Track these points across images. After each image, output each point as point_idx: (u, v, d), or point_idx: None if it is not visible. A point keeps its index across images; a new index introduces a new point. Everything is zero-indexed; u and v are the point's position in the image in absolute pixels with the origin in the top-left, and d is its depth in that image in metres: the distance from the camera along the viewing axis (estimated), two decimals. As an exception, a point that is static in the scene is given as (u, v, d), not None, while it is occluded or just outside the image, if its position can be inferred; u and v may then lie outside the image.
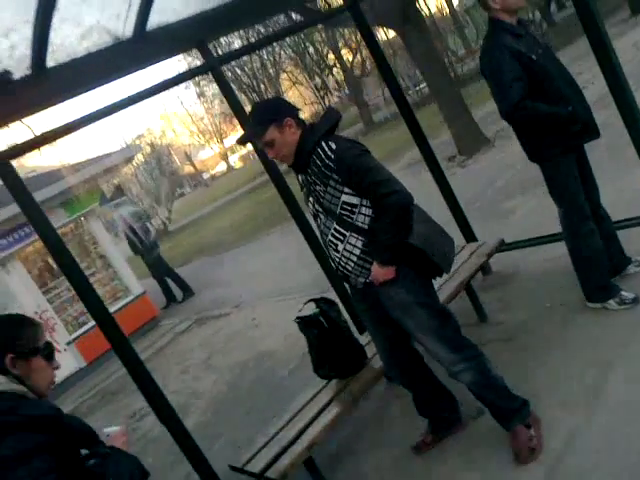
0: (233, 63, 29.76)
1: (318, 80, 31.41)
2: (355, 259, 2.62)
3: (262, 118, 2.59)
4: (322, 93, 31.80)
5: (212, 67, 3.75)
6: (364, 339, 3.65)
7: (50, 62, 3.19)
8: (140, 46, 3.52)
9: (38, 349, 1.75)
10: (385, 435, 3.53)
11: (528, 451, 2.70)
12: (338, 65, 30.91)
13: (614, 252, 3.55)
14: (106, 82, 3.49)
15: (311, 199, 2.67)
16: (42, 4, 2.79)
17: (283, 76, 34.23)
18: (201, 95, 41.69)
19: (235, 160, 64.00)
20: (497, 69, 3.13)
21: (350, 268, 2.66)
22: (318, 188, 2.57)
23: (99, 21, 3.28)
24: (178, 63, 29.60)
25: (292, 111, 2.63)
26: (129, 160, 11.82)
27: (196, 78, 34.35)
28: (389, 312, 2.73)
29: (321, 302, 3.43)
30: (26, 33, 2.95)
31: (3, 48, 2.94)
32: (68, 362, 9.10)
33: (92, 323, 9.62)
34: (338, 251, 2.65)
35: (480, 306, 4.08)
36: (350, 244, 2.60)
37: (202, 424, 5.23)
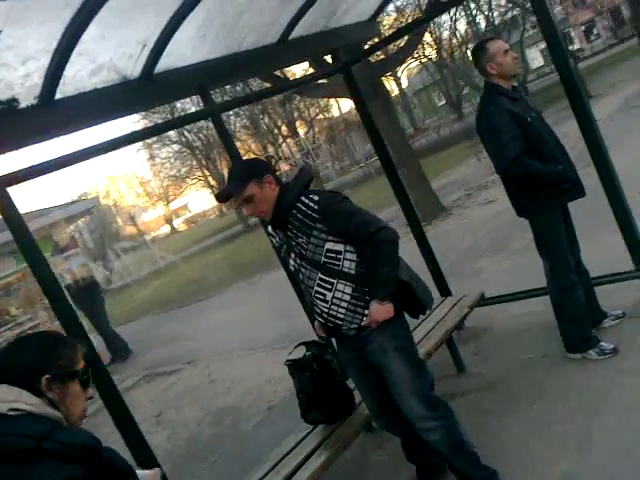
0: (191, 127, 30.30)
1: (271, 149, 32.12)
2: (346, 305, 2.63)
3: (243, 174, 2.66)
4: (274, 162, 32.48)
5: (212, 113, 3.86)
6: (350, 384, 3.62)
7: (58, 94, 3.22)
8: (146, 87, 3.57)
9: (77, 373, 1.59)
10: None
11: None
12: (292, 137, 31.84)
13: (592, 306, 3.72)
14: (109, 119, 3.52)
15: (292, 255, 2.69)
16: (67, 36, 2.82)
17: (237, 144, 34.78)
18: (151, 158, 41.82)
19: (179, 223, 63.70)
20: (496, 128, 3.32)
21: (342, 315, 2.66)
22: (300, 240, 2.61)
23: (112, 59, 3.32)
24: (133, 125, 29.61)
25: (270, 170, 2.73)
26: (85, 213, 11.63)
27: (149, 141, 34.62)
28: (370, 357, 2.73)
29: (311, 345, 3.43)
30: (43, 63, 2.96)
31: (18, 75, 2.92)
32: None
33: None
34: (327, 301, 2.65)
35: (459, 357, 4.13)
36: (339, 291, 2.62)
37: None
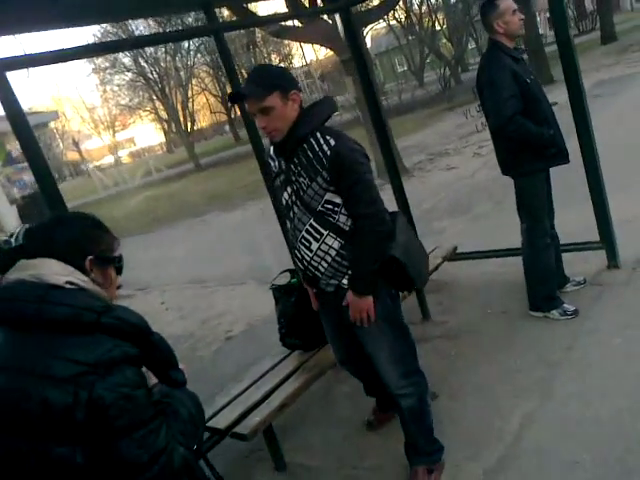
0: (147, 56, 29.18)
1: (229, 90, 31.37)
2: (330, 260, 2.44)
3: (268, 80, 2.32)
4: (230, 104, 31.80)
5: (216, 31, 3.76)
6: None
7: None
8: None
9: (114, 259, 1.59)
10: (330, 414, 3.61)
11: None
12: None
13: (557, 270, 3.94)
14: (110, 21, 3.44)
15: (289, 189, 2.45)
16: None
17: (193, 80, 33.72)
18: (102, 84, 39.99)
19: (124, 155, 61.71)
20: (496, 84, 3.41)
21: (323, 269, 2.48)
22: (302, 180, 2.37)
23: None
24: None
25: (298, 86, 2.39)
26: (42, 126, 11.13)
27: (102, 65, 33.10)
28: (346, 317, 2.54)
29: (296, 273, 3.44)
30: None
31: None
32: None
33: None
34: (311, 250, 2.46)
35: (426, 305, 4.32)
36: (326, 244, 2.42)
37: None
